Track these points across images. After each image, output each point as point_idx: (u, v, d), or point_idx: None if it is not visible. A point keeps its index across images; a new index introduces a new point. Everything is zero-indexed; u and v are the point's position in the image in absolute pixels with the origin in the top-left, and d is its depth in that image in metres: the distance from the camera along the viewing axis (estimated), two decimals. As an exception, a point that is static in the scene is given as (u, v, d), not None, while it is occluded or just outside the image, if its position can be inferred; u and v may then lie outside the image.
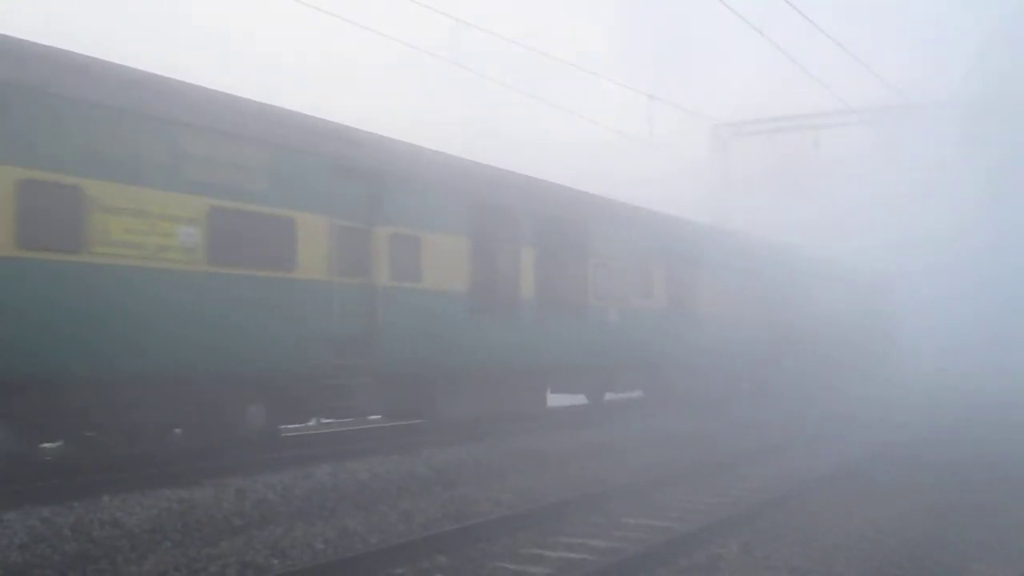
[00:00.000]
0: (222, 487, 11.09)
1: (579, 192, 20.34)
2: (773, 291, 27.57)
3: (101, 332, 10.94)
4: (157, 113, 11.63)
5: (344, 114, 15.15)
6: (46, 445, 11.90)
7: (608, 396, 21.64)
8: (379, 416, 15.46)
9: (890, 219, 40.59)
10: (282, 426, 14.46)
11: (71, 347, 10.70)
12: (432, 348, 15.54)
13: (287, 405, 13.65)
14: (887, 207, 40.22)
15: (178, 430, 12.46)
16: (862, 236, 39.07)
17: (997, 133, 38.43)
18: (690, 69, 53.24)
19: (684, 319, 23.00)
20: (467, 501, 11.66)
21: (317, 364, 13.52)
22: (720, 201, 40.05)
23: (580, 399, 21.26)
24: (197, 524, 9.72)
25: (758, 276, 26.82)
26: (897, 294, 42.37)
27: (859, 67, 29.83)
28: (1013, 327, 40.61)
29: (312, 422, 16.39)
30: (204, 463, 12.59)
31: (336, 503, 11.14)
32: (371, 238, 14.46)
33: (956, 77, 40.29)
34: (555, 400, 20.11)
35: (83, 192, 10.72)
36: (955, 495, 12.86)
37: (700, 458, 15.69)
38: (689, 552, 9.19)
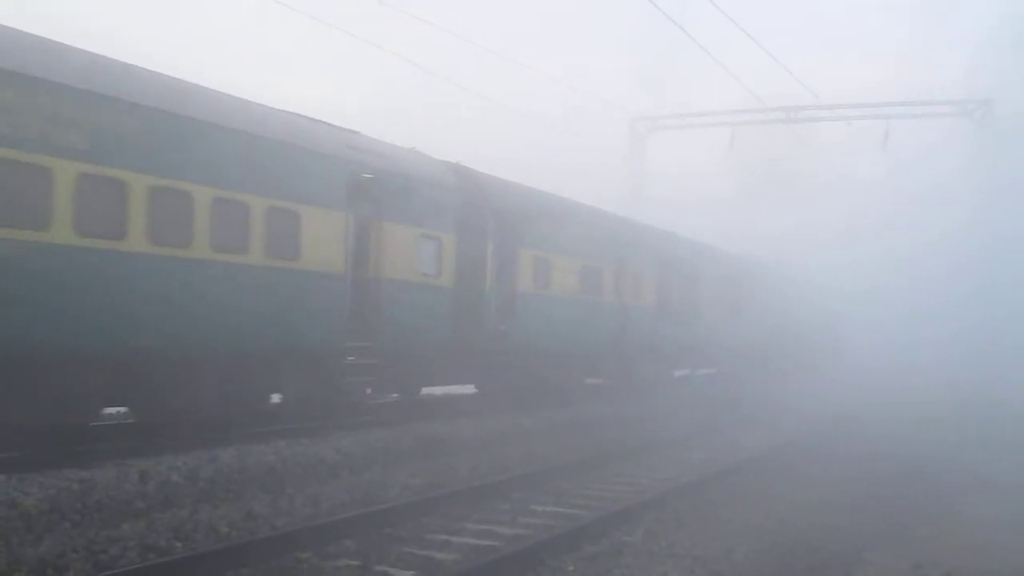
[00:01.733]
0: (124, 468, 10.83)
1: (695, 241, 30.42)
2: (776, 301, 36.28)
3: (550, 331, 21.08)
4: (569, 217, 22.68)
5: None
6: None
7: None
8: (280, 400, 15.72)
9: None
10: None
11: (543, 340, 20.84)
12: (640, 339, 25.50)
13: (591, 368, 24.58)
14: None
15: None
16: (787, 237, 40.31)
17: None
18: (610, 61, 53.66)
19: (738, 324, 32.18)
20: (375, 486, 11.63)
21: (607, 345, 24.05)
22: (637, 194, 40.49)
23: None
24: (97, 505, 9.49)
25: (769, 290, 35.84)
26: (836, 295, 44.11)
27: (775, 66, 30.32)
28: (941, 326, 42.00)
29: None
30: (105, 444, 12.35)
31: (242, 486, 11.00)
32: (624, 276, 24.63)
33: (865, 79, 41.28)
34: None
35: (551, 261, 21.22)
36: (858, 487, 13.25)
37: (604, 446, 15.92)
38: (595, 539, 9.30)
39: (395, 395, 17.94)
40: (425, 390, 19.73)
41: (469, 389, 21.05)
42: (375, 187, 15.95)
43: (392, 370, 16.71)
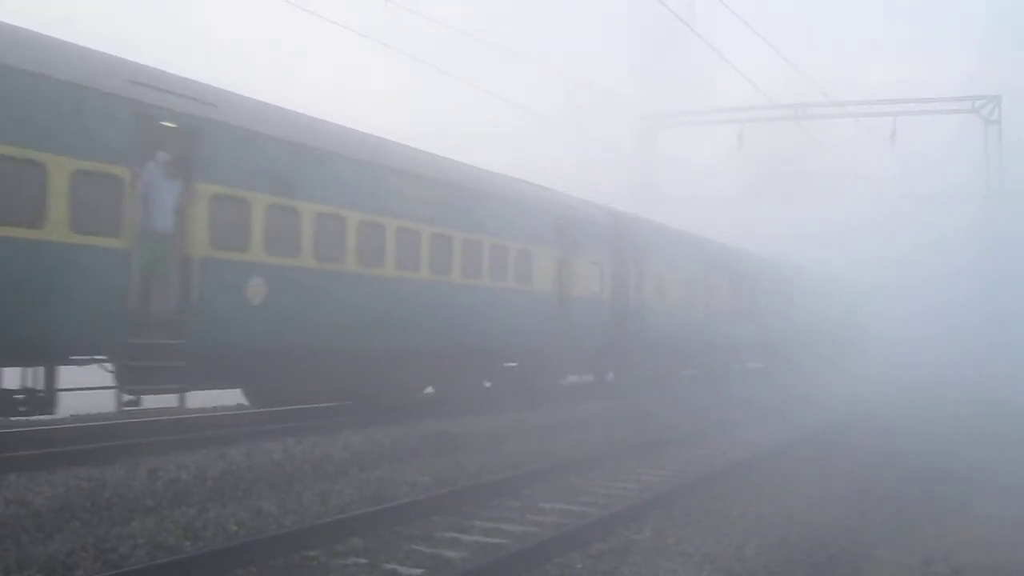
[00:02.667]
0: (134, 466, 10.87)
1: (753, 253, 34.91)
2: (813, 302, 40.50)
3: (664, 333, 25.92)
4: (674, 241, 27.64)
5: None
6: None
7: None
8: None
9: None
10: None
11: (660, 339, 25.80)
12: (717, 339, 30.04)
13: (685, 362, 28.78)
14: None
15: None
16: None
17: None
18: (619, 59, 53.56)
19: (783, 322, 36.40)
20: (384, 483, 11.62)
21: (697, 344, 28.39)
22: (647, 191, 40.41)
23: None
24: (107, 503, 9.52)
25: (808, 293, 40.10)
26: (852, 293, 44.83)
27: (784, 64, 30.27)
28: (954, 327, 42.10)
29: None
30: (115, 442, 12.38)
31: (250, 484, 11.01)
32: (708, 287, 29.53)
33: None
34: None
35: (665, 277, 26.27)
36: (866, 482, 13.21)
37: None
38: (603, 537, 9.29)
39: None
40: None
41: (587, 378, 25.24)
42: (568, 229, 21.71)
43: (575, 362, 22.88)
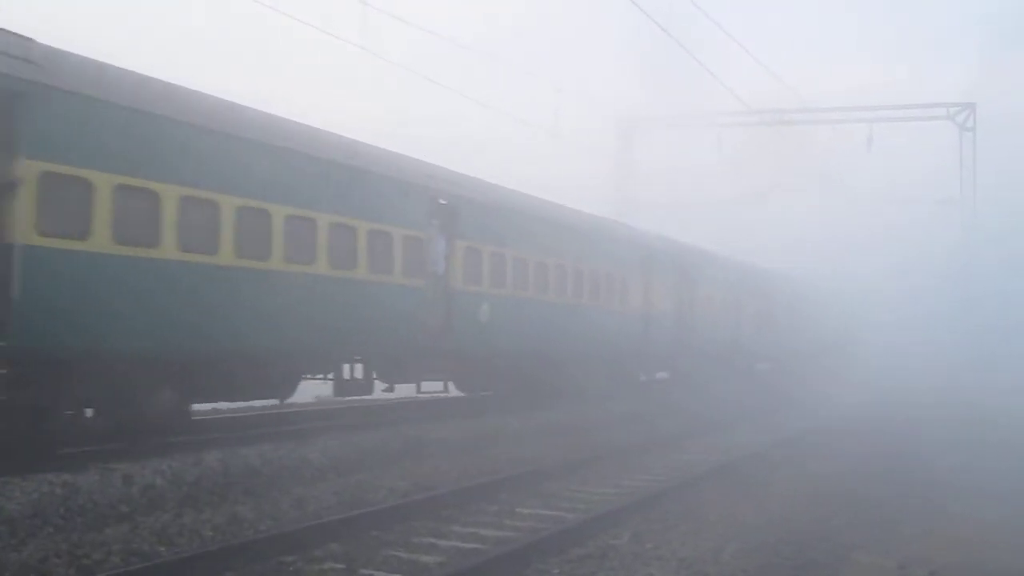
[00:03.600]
0: (108, 472, 10.74)
1: (772, 271, 38.49)
2: (816, 311, 43.63)
3: (706, 339, 29.88)
4: (715, 263, 31.89)
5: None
6: None
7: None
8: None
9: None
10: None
11: (702, 345, 29.58)
12: (744, 345, 33.70)
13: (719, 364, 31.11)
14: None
15: None
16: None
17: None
18: (597, 64, 53.77)
19: (799, 331, 40.39)
20: (362, 488, 11.57)
21: (729, 349, 32.27)
22: (623, 193, 40.49)
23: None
24: (81, 509, 9.43)
25: (812, 304, 43.40)
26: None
27: (763, 70, 30.45)
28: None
29: None
30: (89, 448, 12.26)
31: (226, 489, 10.93)
32: (737, 301, 33.35)
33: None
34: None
35: (709, 296, 30.53)
36: (843, 485, 13.24)
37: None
38: (581, 542, 9.26)
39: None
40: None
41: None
42: (649, 259, 26.60)
43: (650, 364, 28.16)
